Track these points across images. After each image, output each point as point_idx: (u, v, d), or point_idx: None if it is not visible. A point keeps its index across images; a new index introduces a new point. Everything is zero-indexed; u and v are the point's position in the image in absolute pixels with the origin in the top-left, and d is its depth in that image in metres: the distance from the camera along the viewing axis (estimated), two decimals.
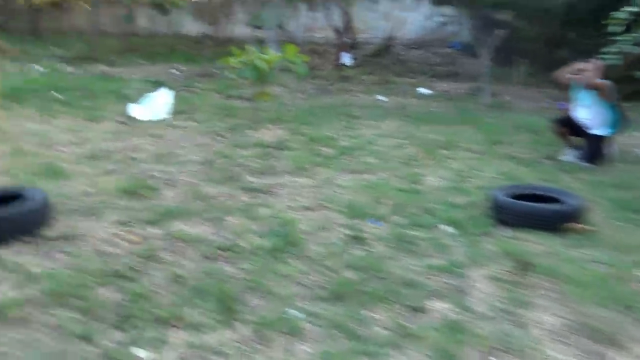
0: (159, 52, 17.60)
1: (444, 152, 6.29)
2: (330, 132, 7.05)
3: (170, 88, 10.08)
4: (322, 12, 20.82)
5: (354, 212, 4.09)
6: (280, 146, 6.17)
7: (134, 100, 8.64)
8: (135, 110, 7.67)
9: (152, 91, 9.32)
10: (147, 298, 2.73)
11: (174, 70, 13.22)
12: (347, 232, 3.74)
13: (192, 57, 16.24)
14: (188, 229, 3.69)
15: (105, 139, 6.28)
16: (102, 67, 12.82)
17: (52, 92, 9.01)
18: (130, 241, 3.45)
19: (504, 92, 12.07)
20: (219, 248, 3.38)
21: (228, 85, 11.00)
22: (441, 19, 19.96)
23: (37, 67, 12.46)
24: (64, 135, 6.31)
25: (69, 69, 12.65)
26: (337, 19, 18.02)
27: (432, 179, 5.13)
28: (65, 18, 25.85)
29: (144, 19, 24.31)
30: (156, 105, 7.77)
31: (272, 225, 3.79)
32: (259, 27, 23.71)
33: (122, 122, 7.25)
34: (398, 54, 18.65)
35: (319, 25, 22.16)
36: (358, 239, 3.61)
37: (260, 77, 6.54)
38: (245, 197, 4.40)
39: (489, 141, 6.93)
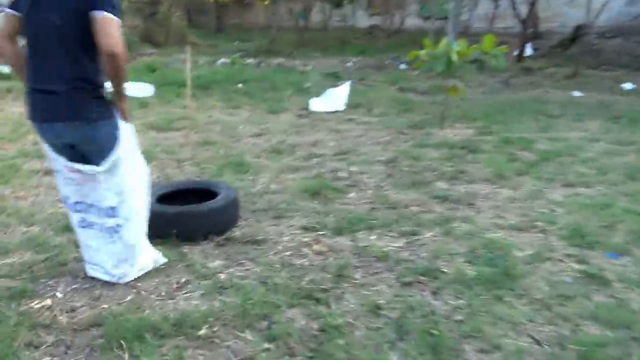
0: (332, 45, 17.65)
1: None
2: (524, 133, 6.12)
3: (346, 80, 9.84)
4: (508, 1, 19.27)
5: (581, 238, 3.25)
6: (470, 147, 5.44)
7: (312, 92, 8.48)
8: (314, 103, 7.47)
9: (329, 83, 9.13)
10: (342, 332, 2.27)
11: (347, 63, 13.00)
12: (578, 266, 2.95)
13: (364, 49, 15.95)
14: (379, 242, 3.19)
15: (287, 131, 6.10)
16: (280, 60, 13.06)
17: (236, 84, 9.25)
18: (317, 252, 3.05)
19: None
20: (419, 272, 2.82)
21: (402, 78, 10.45)
22: None
23: (222, 60, 13.10)
24: (248, 127, 6.26)
25: (251, 61, 13.10)
26: (520, 7, 16.41)
27: None
28: (247, 14, 27.36)
29: (318, 14, 24.76)
30: (334, 97, 7.49)
31: (476, 247, 3.13)
32: (429, 18, 22.81)
33: (302, 115, 7.08)
34: (591, 44, 16.46)
35: (498, 13, 20.57)
36: (595, 278, 2.80)
37: (452, 70, 5.84)
38: (439, 208, 3.80)
39: None
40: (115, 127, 2.45)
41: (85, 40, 2.25)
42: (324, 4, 23.07)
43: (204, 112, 7.11)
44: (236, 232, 3.26)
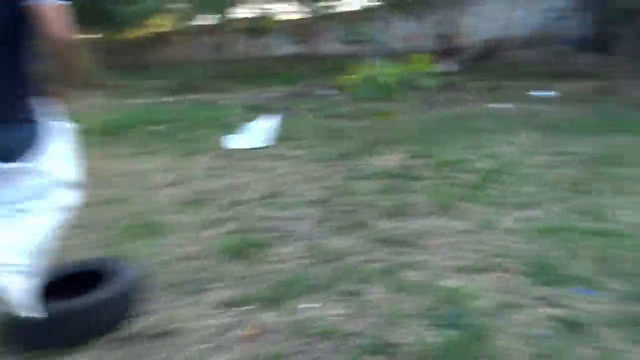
0: (254, 74, 17.15)
1: (616, 170, 4.82)
2: (460, 152, 5.80)
3: (270, 112, 9.30)
4: (421, 20, 19.54)
5: (547, 274, 2.82)
6: (407, 175, 5.00)
7: (235, 128, 7.88)
8: (237, 140, 6.86)
9: (253, 117, 8.57)
10: None
11: (271, 93, 12.51)
12: (551, 310, 2.48)
13: (287, 78, 15.54)
14: (320, 312, 2.61)
15: (207, 176, 5.44)
16: (200, 96, 12.38)
17: (150, 126, 8.50)
18: (245, 338, 2.43)
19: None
20: (370, 350, 2.26)
21: (330, 105, 10.05)
22: (553, 14, 17.95)
23: (138, 100, 12.26)
24: (162, 175, 5.55)
25: (168, 99, 12.33)
26: (439, 26, 16.64)
27: (626, 213, 3.73)
28: (168, 50, 26.44)
29: (239, 45, 24.29)
30: (259, 132, 6.91)
31: (434, 302, 2.61)
32: (353, 42, 22.88)
33: (224, 155, 6.44)
34: (507, 57, 16.89)
35: (415, 33, 20.86)
36: (574, 325, 2.35)
37: (385, 94, 5.43)
38: (384, 254, 3.27)
39: None
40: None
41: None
42: (244, 36, 22.72)
43: (111, 161, 6.32)
44: (142, 322, 2.57)
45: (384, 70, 5.47)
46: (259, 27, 24.23)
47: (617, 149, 5.63)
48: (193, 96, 12.39)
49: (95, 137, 6.77)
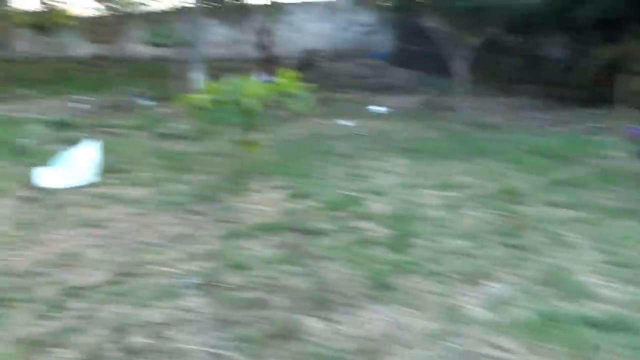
0: (48, 79, 14.15)
1: (527, 210, 4.27)
2: (339, 188, 4.82)
3: (82, 130, 7.26)
4: (239, 27, 18.31)
5: None
6: (300, 227, 3.81)
7: (36, 154, 5.79)
8: (46, 175, 4.89)
9: (59, 137, 6.53)
10: None
11: (77, 104, 10.13)
12: None
13: (93, 84, 13.05)
14: None
15: (9, 240, 3.53)
16: None
17: None
18: None
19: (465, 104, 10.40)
20: None
21: (154, 120, 8.31)
22: (361, 29, 18.30)
23: None
24: None
25: None
26: (258, 34, 15.65)
27: (598, 282, 3.06)
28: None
29: (25, 43, 20.19)
30: (77, 163, 5.02)
31: None
32: (161, 46, 20.65)
33: (31, 199, 4.46)
34: (323, 68, 16.65)
35: (233, 40, 19.58)
36: None
37: (249, 120, 4.12)
38: None
39: (550, 182, 5.10)
40: None
41: None
42: (31, 32, 18.94)
43: None
44: None
45: (243, 90, 4.19)
46: (48, 22, 20.54)
47: (499, 179, 5.18)
48: None
49: None
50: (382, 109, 10.62)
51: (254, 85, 4.57)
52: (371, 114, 10.16)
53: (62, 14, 20.68)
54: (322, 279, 3.00)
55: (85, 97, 10.83)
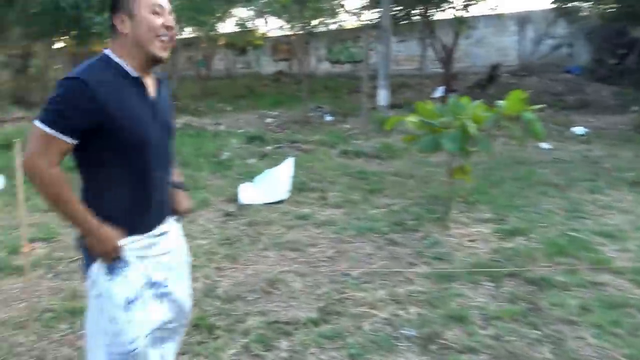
0: (240, 94, 15.24)
1: None
2: (561, 225, 4.04)
3: (273, 144, 7.42)
4: (416, 42, 17.99)
5: None
6: (521, 273, 3.18)
7: (235, 167, 5.98)
8: (246, 191, 4.94)
9: (253, 151, 6.71)
10: None
11: (266, 119, 10.59)
12: None
13: (279, 100, 13.67)
14: None
15: (212, 259, 3.50)
16: (186, 119, 10.34)
17: None
18: None
19: None
20: None
21: (338, 137, 8.21)
22: (553, 41, 16.65)
23: None
24: None
25: None
26: (439, 49, 15.07)
27: None
28: None
29: (221, 61, 22.27)
30: (274, 181, 5.00)
31: None
32: (338, 63, 21.18)
33: (232, 214, 4.51)
34: (507, 83, 15.40)
35: (404, 56, 19.32)
36: None
37: (465, 146, 3.61)
38: None
39: None
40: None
41: None
42: (226, 51, 20.77)
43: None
44: None
45: (463, 113, 3.67)
46: (244, 42, 22.29)
47: None
48: (179, 119, 10.37)
49: None
50: (581, 130, 9.28)
51: (475, 107, 4.00)
52: (569, 136, 8.93)
53: (254, 34, 22.36)
54: (569, 352, 2.35)
55: (272, 112, 11.32)
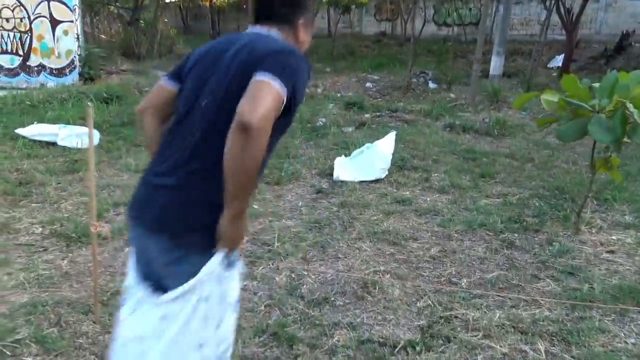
0: (340, 55, 14.60)
1: None
2: None
3: (371, 111, 6.82)
4: (530, 4, 16.15)
5: None
6: None
7: (329, 135, 5.50)
8: (341, 166, 4.45)
9: (350, 118, 6.18)
10: None
11: (366, 83, 9.94)
12: None
13: (380, 63, 12.88)
14: None
15: (299, 246, 3.07)
16: None
17: None
18: None
19: None
20: None
21: (444, 108, 7.41)
22: None
23: None
24: None
25: None
26: (557, 12, 13.35)
27: None
28: (246, 19, 24.15)
29: (323, 19, 21.61)
30: (373, 157, 4.44)
31: None
32: (445, 25, 19.72)
33: (323, 191, 4.05)
34: (639, 55, 13.39)
35: (519, 19, 17.49)
36: None
37: (620, 137, 2.80)
38: None
39: None
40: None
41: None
42: (329, 9, 20.03)
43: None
44: None
45: (627, 94, 2.84)
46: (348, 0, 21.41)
47: None
48: None
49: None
50: None
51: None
52: None
53: None
54: None
55: (373, 76, 10.64)
